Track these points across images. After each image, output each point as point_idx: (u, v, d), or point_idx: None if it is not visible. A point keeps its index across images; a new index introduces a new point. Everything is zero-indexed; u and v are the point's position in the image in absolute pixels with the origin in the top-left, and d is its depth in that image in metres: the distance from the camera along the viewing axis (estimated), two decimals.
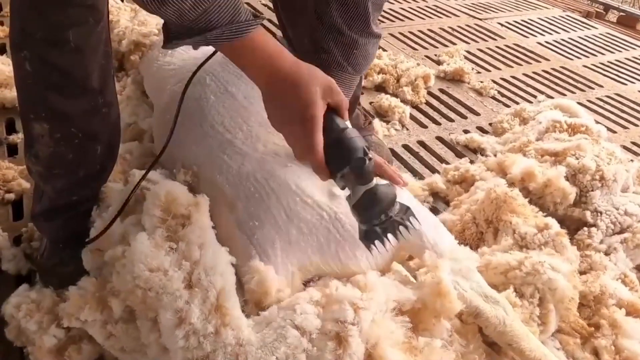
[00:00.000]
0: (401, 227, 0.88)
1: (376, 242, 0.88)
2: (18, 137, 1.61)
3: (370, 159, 0.84)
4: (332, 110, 0.87)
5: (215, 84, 1.20)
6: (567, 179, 1.40)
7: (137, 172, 1.19)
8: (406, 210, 0.90)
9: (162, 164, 1.34)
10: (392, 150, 1.74)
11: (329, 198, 1.00)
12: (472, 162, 1.67)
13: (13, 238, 1.25)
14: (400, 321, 0.91)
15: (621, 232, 1.36)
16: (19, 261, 1.18)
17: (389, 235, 0.88)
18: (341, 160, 0.84)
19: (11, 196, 1.39)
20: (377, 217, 0.86)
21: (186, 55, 1.42)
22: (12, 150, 1.58)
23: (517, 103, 2.09)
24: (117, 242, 1.05)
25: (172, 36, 0.85)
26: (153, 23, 1.97)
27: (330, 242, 0.96)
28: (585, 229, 1.36)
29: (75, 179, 1.14)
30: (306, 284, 0.99)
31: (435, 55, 2.46)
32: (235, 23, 0.80)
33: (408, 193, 1.09)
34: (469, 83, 2.24)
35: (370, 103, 2.00)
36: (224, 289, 0.88)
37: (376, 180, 0.86)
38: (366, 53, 1.06)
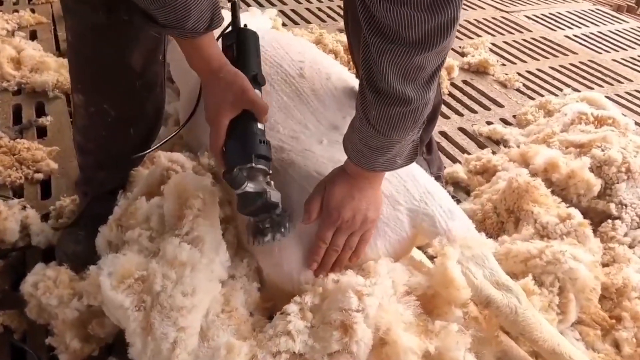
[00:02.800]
0: (281, 228, 0.93)
1: (257, 235, 0.94)
2: (47, 120, 1.65)
3: (246, 169, 0.90)
4: (248, 113, 0.95)
5: None
6: (591, 170, 1.38)
7: (163, 153, 1.21)
8: (287, 216, 0.94)
9: (188, 146, 1.38)
10: None
11: None
12: (494, 153, 1.65)
13: (41, 215, 1.29)
14: (406, 301, 0.91)
15: None
16: (47, 235, 1.22)
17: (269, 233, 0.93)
18: (227, 162, 0.94)
19: (40, 176, 1.43)
20: (253, 215, 0.94)
21: None
22: (42, 132, 1.63)
23: (542, 96, 2.06)
24: (141, 221, 1.07)
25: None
26: None
27: None
28: (610, 221, 1.33)
29: (107, 157, 1.18)
30: None
31: (460, 47, 2.43)
32: (179, 29, 0.88)
33: (424, 173, 1.08)
34: (493, 75, 2.22)
35: None
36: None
37: (264, 186, 0.91)
38: (384, 114, 0.84)
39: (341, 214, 0.94)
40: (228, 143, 0.94)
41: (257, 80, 1.00)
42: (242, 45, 1.02)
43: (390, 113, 0.84)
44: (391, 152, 0.90)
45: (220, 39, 1.04)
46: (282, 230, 0.92)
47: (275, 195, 0.92)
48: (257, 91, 0.98)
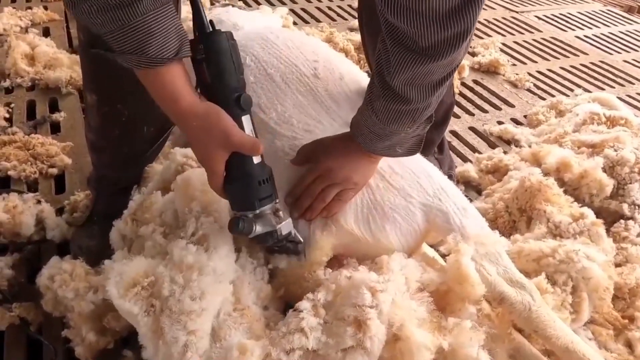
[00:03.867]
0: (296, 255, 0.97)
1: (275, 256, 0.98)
2: (61, 116, 1.67)
3: (251, 215, 0.87)
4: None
5: (255, 65, 1.22)
6: (604, 170, 1.38)
7: (178, 149, 1.22)
8: (301, 241, 0.97)
9: None
10: None
11: None
12: (505, 152, 1.65)
13: (56, 210, 1.30)
14: (419, 297, 0.91)
15: None
16: (62, 229, 1.23)
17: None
18: (231, 205, 0.90)
19: (54, 171, 1.45)
20: (268, 243, 0.94)
21: None
22: (55, 128, 1.64)
23: (553, 96, 2.06)
24: (156, 216, 1.08)
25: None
26: (184, 9, 2.01)
27: (363, 207, 0.99)
28: (622, 221, 1.33)
29: (120, 155, 1.19)
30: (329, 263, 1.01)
31: (471, 47, 2.42)
32: (140, 55, 0.76)
33: (437, 171, 1.09)
34: (504, 75, 2.22)
35: None
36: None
37: (273, 223, 0.90)
38: (386, 108, 0.88)
39: (326, 162, 0.98)
40: (228, 186, 0.87)
41: (241, 105, 0.85)
42: (215, 60, 0.83)
43: (390, 107, 0.89)
44: (391, 141, 0.94)
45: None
46: (297, 257, 0.96)
47: (285, 227, 0.91)
48: (245, 118, 0.86)
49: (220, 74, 0.83)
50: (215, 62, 0.83)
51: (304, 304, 0.89)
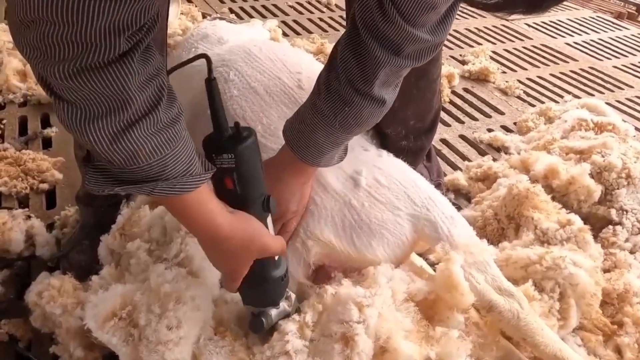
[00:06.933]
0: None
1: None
2: (52, 131, 1.68)
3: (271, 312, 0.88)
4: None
5: (238, 80, 1.23)
6: (592, 176, 1.38)
7: None
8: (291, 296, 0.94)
9: None
10: None
11: (343, 186, 1.02)
12: (495, 160, 1.66)
13: (46, 225, 1.30)
14: (405, 308, 0.91)
15: None
16: (53, 247, 1.23)
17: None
18: (249, 301, 0.90)
19: (45, 186, 1.45)
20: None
21: (210, 52, 1.46)
22: (47, 143, 1.65)
23: (543, 103, 2.07)
24: (144, 231, 1.08)
25: (106, 181, 0.69)
26: (176, 24, 2.04)
27: (345, 227, 0.99)
28: (610, 227, 1.33)
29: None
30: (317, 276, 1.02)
31: (461, 55, 2.45)
32: (189, 175, 0.67)
33: (424, 180, 1.09)
34: (494, 83, 2.23)
35: None
36: None
37: (285, 308, 0.91)
38: (359, 114, 0.89)
39: None
40: (247, 288, 0.85)
41: (269, 208, 0.81)
42: (246, 168, 0.76)
43: (363, 113, 0.90)
44: (337, 149, 0.95)
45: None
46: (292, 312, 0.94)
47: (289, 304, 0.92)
48: (269, 219, 0.84)
49: (250, 181, 0.77)
50: (247, 170, 0.76)
51: (290, 326, 0.89)
